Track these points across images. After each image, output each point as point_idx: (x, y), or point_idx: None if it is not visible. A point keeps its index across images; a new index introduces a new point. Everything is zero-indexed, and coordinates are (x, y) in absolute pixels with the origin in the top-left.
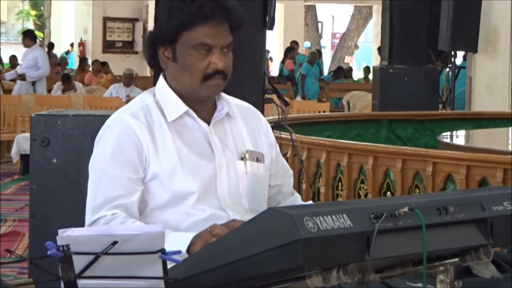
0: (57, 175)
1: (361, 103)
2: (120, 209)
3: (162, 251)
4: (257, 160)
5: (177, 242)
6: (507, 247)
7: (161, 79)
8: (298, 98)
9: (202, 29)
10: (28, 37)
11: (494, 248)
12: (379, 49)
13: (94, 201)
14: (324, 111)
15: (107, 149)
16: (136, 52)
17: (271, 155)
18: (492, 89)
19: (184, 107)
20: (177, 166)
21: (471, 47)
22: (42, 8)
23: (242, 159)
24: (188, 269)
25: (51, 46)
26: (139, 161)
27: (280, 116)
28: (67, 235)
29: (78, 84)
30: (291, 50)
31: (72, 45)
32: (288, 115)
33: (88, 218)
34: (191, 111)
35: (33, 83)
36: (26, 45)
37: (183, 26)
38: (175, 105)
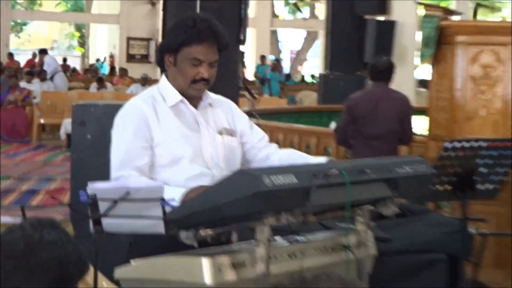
0: (90, 147)
1: (309, 99)
2: (135, 170)
3: (162, 199)
4: (231, 135)
5: (175, 193)
6: (408, 198)
7: (163, 77)
8: (266, 95)
9: (198, 48)
10: (42, 52)
11: (398, 199)
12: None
13: (116, 164)
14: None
15: (125, 125)
16: (150, 62)
17: (246, 125)
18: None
19: (180, 97)
20: (174, 137)
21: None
22: (83, 30)
23: (220, 133)
24: (181, 213)
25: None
26: (148, 133)
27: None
28: (95, 187)
29: (108, 85)
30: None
31: (105, 58)
32: (257, 108)
33: (112, 176)
34: (184, 100)
35: (51, 78)
36: (41, 57)
37: (184, 43)
38: (173, 95)
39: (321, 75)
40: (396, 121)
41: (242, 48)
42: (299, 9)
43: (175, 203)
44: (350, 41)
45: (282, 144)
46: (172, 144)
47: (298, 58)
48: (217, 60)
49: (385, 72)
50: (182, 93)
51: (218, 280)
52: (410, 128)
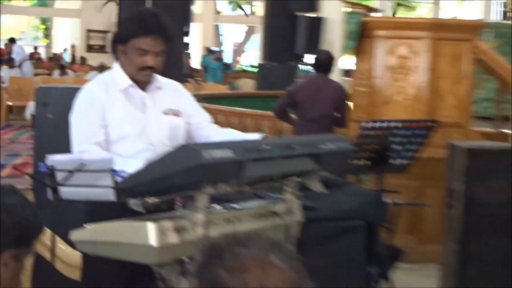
0: (52, 126)
1: (247, 86)
2: (95, 145)
3: (112, 170)
4: (176, 115)
5: (127, 165)
6: (331, 172)
7: (116, 64)
8: (210, 82)
9: (144, 39)
10: (11, 42)
11: (322, 172)
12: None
13: (77, 141)
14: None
15: (82, 107)
16: (107, 52)
17: (191, 107)
18: None
19: (130, 82)
20: (122, 117)
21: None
22: (48, 23)
23: (165, 113)
24: (129, 182)
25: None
26: (102, 113)
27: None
28: (52, 159)
29: (69, 72)
30: (210, 52)
31: (65, 49)
32: (201, 92)
33: (74, 151)
34: (134, 84)
35: (20, 65)
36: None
37: (132, 35)
38: (124, 80)
39: (259, 65)
40: (332, 107)
41: (188, 40)
42: (240, 7)
43: (125, 174)
44: (284, 35)
45: (222, 125)
46: (119, 123)
47: (239, 50)
48: (163, 50)
49: (326, 65)
50: (132, 78)
51: (163, 242)
52: (345, 114)
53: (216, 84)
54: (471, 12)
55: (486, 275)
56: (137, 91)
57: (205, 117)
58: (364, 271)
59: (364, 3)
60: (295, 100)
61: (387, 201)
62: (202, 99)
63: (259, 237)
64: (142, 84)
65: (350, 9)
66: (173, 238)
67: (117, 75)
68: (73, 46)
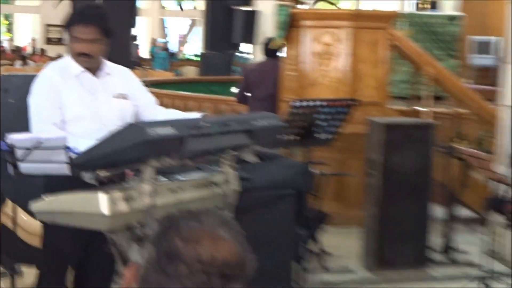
0: (13, 110)
1: (190, 72)
2: (50, 125)
3: (66, 147)
4: (124, 98)
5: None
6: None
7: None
8: (158, 70)
9: (80, 28)
10: None
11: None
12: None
13: (35, 121)
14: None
15: (39, 91)
16: (65, 44)
17: (139, 90)
18: None
19: (81, 68)
20: (75, 100)
21: (252, 41)
22: (10, 18)
23: (115, 97)
24: (83, 158)
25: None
26: (58, 96)
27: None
28: (12, 138)
29: (30, 62)
30: (156, 43)
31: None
32: (149, 78)
33: (34, 132)
34: (85, 70)
35: None
36: None
37: (71, 23)
38: (76, 66)
39: (201, 54)
40: (277, 87)
41: (136, 32)
42: (180, 4)
43: (78, 151)
44: (222, 27)
45: (168, 107)
46: (73, 106)
47: (183, 41)
48: (97, 39)
49: (274, 51)
50: (80, 64)
51: (113, 211)
52: None
53: (163, 71)
54: (388, 5)
55: (403, 235)
56: (88, 77)
57: (151, 99)
58: (295, 233)
59: None
60: (248, 82)
61: (314, 172)
62: (149, 84)
63: (211, 213)
64: (93, 70)
65: (280, 2)
66: (123, 207)
67: (70, 62)
68: (33, 39)
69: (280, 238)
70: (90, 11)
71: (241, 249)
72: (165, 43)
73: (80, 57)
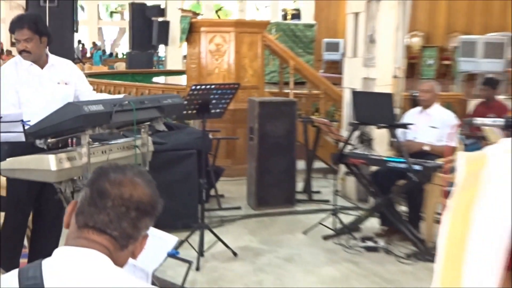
0: None
1: (121, 67)
2: (10, 105)
3: (22, 121)
4: (66, 84)
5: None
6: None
7: None
8: (96, 65)
9: (18, 31)
10: None
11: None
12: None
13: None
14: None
15: (2, 81)
16: None
17: (78, 78)
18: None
19: (29, 62)
20: (27, 86)
21: (166, 43)
22: None
23: (58, 83)
24: (35, 128)
25: None
26: (14, 85)
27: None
28: None
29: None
30: (95, 46)
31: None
32: (90, 71)
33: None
34: (33, 64)
35: None
36: None
37: (13, 28)
38: (26, 62)
39: (128, 53)
40: None
41: (79, 37)
42: (111, 15)
43: (30, 123)
44: (144, 33)
45: (104, 92)
46: (24, 91)
47: (115, 43)
48: (31, 38)
49: None
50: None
51: (59, 167)
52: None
53: (100, 66)
54: (265, 16)
55: (275, 182)
56: (36, 68)
57: (88, 86)
58: (198, 182)
59: (192, 9)
60: None
61: (211, 137)
62: (89, 76)
63: (131, 167)
64: (39, 63)
65: (183, 14)
66: (67, 164)
67: (21, 59)
68: (1, 43)
69: (187, 186)
70: (23, 17)
71: (152, 193)
72: (102, 45)
73: (22, 53)
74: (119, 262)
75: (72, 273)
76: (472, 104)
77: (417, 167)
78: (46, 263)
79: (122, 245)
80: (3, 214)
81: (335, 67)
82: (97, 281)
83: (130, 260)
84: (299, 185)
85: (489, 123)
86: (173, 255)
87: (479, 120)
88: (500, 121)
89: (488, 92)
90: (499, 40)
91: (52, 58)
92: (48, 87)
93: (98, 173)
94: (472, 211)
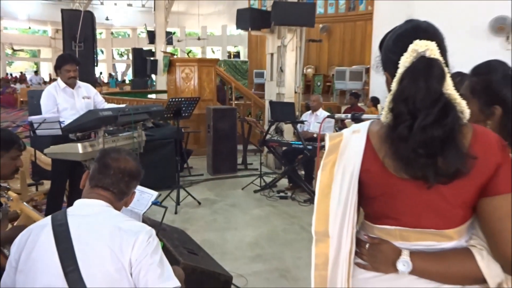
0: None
1: (127, 89)
2: (51, 113)
3: (59, 121)
4: (88, 98)
5: (66, 120)
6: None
7: (58, 78)
8: (111, 88)
9: (69, 64)
10: None
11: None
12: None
13: (43, 111)
14: None
15: (45, 96)
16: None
17: (95, 94)
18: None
19: (64, 85)
20: (63, 100)
21: (156, 73)
22: None
23: (83, 98)
24: (68, 126)
25: None
26: (54, 99)
27: (100, 89)
28: (31, 117)
29: None
30: (111, 75)
31: None
32: (106, 91)
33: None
34: (67, 86)
35: None
36: None
37: (61, 64)
38: (62, 84)
39: (131, 79)
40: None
41: (100, 69)
42: (121, 56)
43: (65, 123)
44: (141, 67)
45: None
46: (62, 103)
47: (124, 74)
48: (76, 69)
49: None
50: (65, 83)
51: (84, 151)
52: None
53: (114, 88)
54: (218, 55)
55: (224, 158)
56: (69, 89)
57: (102, 99)
58: (175, 160)
59: (171, 52)
60: None
61: (183, 131)
62: (107, 94)
63: (124, 150)
64: (71, 85)
65: (164, 55)
66: (89, 149)
67: (60, 82)
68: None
69: (168, 161)
70: (72, 56)
71: (138, 165)
72: (115, 75)
73: (71, 78)
74: (117, 208)
75: (87, 214)
76: (343, 108)
77: (309, 147)
78: (70, 209)
79: (119, 198)
80: (49, 182)
81: (261, 87)
82: (104, 217)
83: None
84: (239, 160)
85: (343, 117)
86: (155, 203)
87: (337, 116)
88: (348, 115)
89: (353, 101)
90: (359, 70)
91: (79, 82)
92: (76, 100)
93: (103, 154)
94: (334, 167)
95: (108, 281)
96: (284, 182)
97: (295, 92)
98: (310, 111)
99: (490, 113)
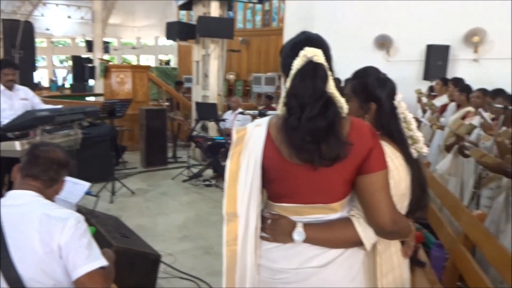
0: None
1: (68, 92)
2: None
3: None
4: (25, 99)
5: (5, 120)
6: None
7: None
8: (52, 92)
9: (7, 68)
10: None
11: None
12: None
13: None
14: None
15: None
16: None
17: (33, 97)
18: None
19: (3, 87)
20: (3, 102)
21: (94, 78)
22: None
23: (21, 99)
24: (6, 126)
25: None
26: None
27: (39, 93)
28: None
29: None
30: (52, 80)
31: None
32: (46, 95)
33: None
34: (5, 88)
35: None
36: None
37: (3, 66)
38: (2, 87)
39: (71, 84)
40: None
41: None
42: (61, 61)
43: (4, 123)
44: (81, 73)
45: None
46: (1, 104)
47: (64, 79)
48: (15, 73)
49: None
50: (4, 86)
51: (22, 148)
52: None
53: (55, 92)
54: (151, 63)
55: (155, 152)
56: (8, 91)
57: (39, 100)
58: (110, 154)
59: (108, 59)
60: None
61: (118, 129)
62: (47, 97)
63: (53, 143)
64: (10, 88)
65: (100, 61)
66: (27, 146)
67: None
68: None
69: (105, 156)
70: (10, 61)
71: (65, 155)
72: (56, 80)
73: (9, 82)
74: (48, 197)
75: (18, 204)
76: (260, 108)
77: (230, 141)
78: (2, 200)
79: (49, 185)
80: None
81: (189, 91)
82: (34, 205)
83: (60, 196)
84: (170, 154)
85: (252, 113)
86: (88, 193)
87: (246, 112)
88: (256, 112)
89: (267, 102)
90: (273, 76)
91: (17, 86)
92: (15, 102)
93: (32, 147)
94: (240, 157)
95: (38, 264)
96: (209, 172)
97: (218, 95)
98: (230, 111)
99: (367, 109)
